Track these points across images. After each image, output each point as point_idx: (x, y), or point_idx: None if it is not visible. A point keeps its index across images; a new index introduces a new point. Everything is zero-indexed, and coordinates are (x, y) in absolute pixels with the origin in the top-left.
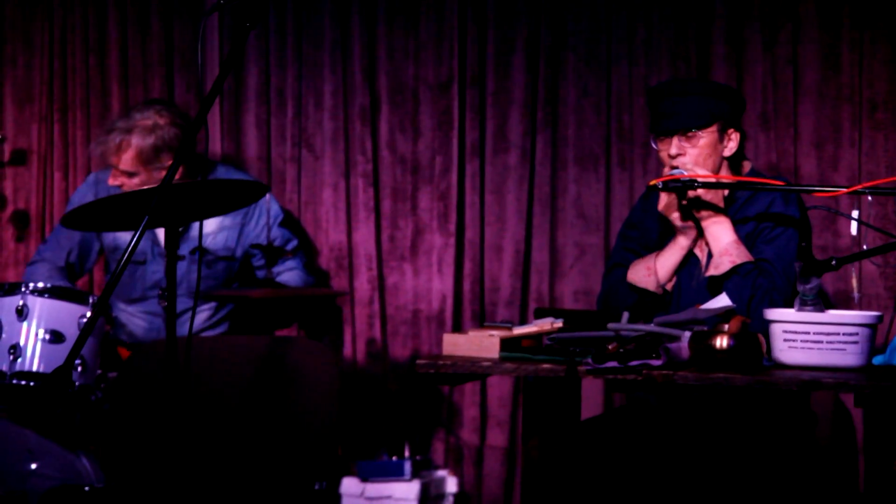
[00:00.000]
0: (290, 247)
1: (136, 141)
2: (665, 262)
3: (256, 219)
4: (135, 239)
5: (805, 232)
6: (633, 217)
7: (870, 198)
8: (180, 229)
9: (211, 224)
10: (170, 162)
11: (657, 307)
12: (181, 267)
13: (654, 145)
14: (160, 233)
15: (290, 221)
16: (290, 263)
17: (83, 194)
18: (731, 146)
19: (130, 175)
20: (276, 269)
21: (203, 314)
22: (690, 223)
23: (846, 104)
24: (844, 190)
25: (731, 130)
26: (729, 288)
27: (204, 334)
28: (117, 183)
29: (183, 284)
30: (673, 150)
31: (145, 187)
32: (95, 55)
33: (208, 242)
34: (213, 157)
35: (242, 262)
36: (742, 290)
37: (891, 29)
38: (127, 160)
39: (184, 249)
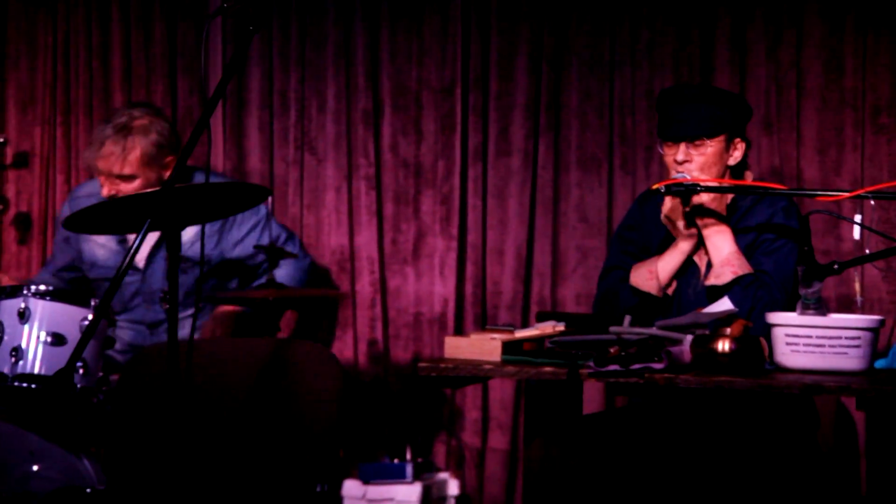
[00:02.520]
0: (282, 241)
1: (140, 141)
2: (666, 266)
3: (239, 224)
4: (135, 243)
5: (805, 239)
6: (630, 219)
7: (872, 202)
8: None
9: (189, 232)
10: (168, 159)
11: (658, 310)
12: (159, 274)
13: (660, 149)
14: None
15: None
16: (285, 261)
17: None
18: (736, 155)
19: (130, 179)
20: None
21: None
22: (693, 229)
23: (849, 109)
24: (847, 194)
25: (738, 140)
26: (730, 298)
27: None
28: (112, 192)
29: (160, 293)
30: (680, 157)
31: (141, 192)
32: (98, 58)
33: (185, 250)
34: (207, 163)
35: (225, 270)
36: (742, 302)
37: (894, 33)
38: (132, 162)
39: (162, 256)
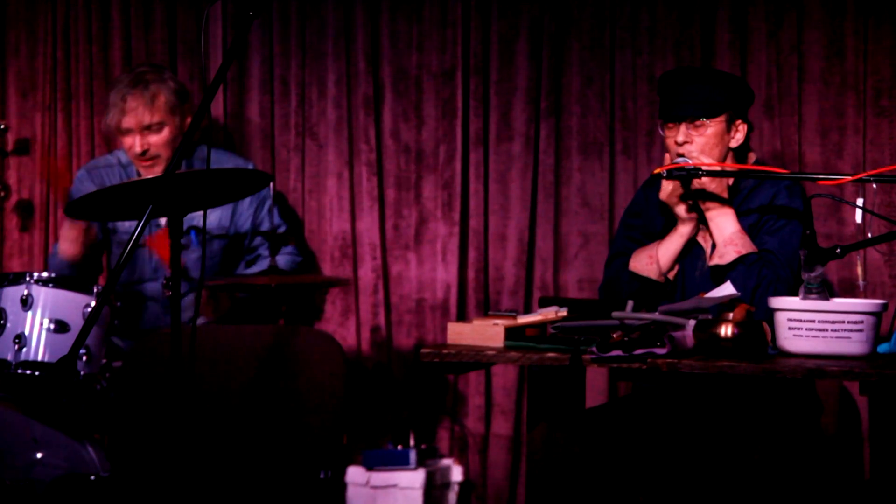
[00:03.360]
0: (280, 230)
1: (161, 88)
2: (666, 251)
3: (249, 199)
4: (138, 229)
5: (808, 222)
6: (635, 205)
7: (874, 185)
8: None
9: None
10: (188, 111)
11: (661, 296)
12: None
13: (661, 132)
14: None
15: (281, 206)
16: (282, 248)
17: (79, 189)
18: (738, 137)
19: (159, 129)
20: (263, 255)
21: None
22: (692, 213)
23: (851, 91)
24: (849, 178)
25: (739, 122)
26: (734, 277)
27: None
28: (144, 145)
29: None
30: (680, 138)
31: (167, 149)
32: (98, 44)
33: (208, 224)
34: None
35: (238, 243)
36: (747, 280)
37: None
38: (160, 108)
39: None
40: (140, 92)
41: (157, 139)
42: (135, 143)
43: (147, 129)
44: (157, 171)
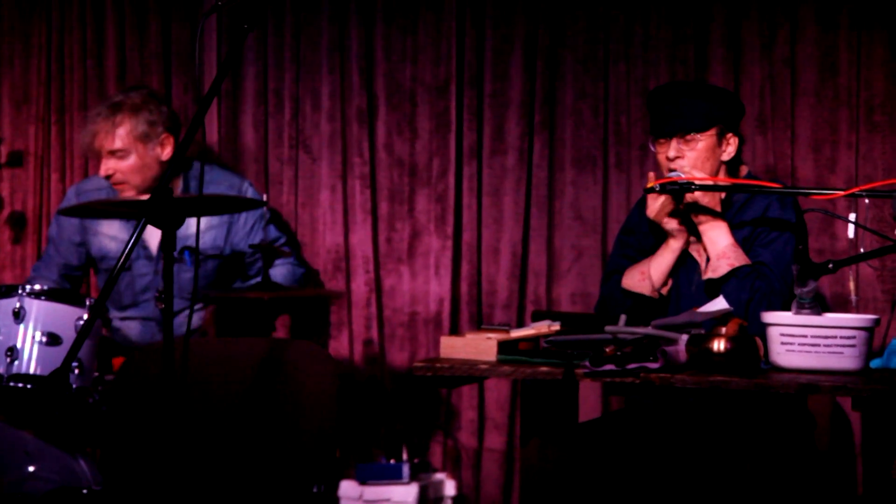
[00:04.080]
0: (280, 243)
1: (129, 118)
2: (658, 266)
3: (245, 217)
4: (129, 245)
5: (801, 235)
6: (629, 222)
7: (867, 200)
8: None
9: (201, 223)
10: (164, 137)
11: (654, 311)
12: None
13: (652, 148)
14: (147, 236)
15: (276, 219)
16: (280, 260)
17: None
18: (729, 150)
19: (124, 155)
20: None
21: (197, 314)
22: (681, 226)
23: (843, 106)
24: (842, 192)
25: (730, 135)
26: (727, 291)
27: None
28: (108, 170)
29: (174, 286)
30: (671, 153)
31: (136, 177)
32: (93, 56)
33: (200, 242)
34: (202, 169)
35: (233, 261)
36: (740, 293)
37: (889, 31)
38: (122, 135)
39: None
40: (106, 117)
41: (122, 165)
42: (102, 165)
43: (111, 154)
44: (129, 195)
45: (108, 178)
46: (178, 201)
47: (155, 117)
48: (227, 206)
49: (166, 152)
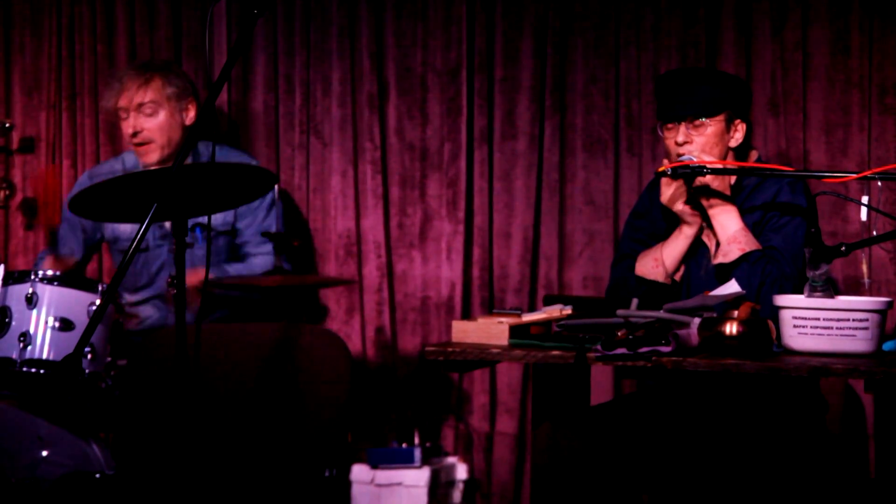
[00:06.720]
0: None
1: (160, 74)
2: (671, 252)
3: (258, 200)
4: (143, 227)
5: (812, 219)
6: (640, 206)
7: (879, 183)
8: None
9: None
10: (189, 101)
11: (667, 297)
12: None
13: (660, 133)
14: None
15: (286, 207)
16: (265, 248)
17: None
18: (737, 137)
19: (154, 110)
20: (251, 253)
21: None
22: (694, 212)
23: (855, 89)
24: (854, 175)
25: (738, 121)
26: (738, 275)
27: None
28: (136, 126)
29: (188, 264)
30: (680, 138)
31: (163, 136)
32: (103, 42)
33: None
34: (213, 152)
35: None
36: (751, 278)
37: None
38: (155, 89)
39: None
40: (137, 73)
41: (150, 123)
42: (129, 122)
43: (140, 110)
44: (152, 157)
45: (134, 135)
46: (187, 170)
47: (182, 81)
48: (236, 182)
49: (190, 116)
